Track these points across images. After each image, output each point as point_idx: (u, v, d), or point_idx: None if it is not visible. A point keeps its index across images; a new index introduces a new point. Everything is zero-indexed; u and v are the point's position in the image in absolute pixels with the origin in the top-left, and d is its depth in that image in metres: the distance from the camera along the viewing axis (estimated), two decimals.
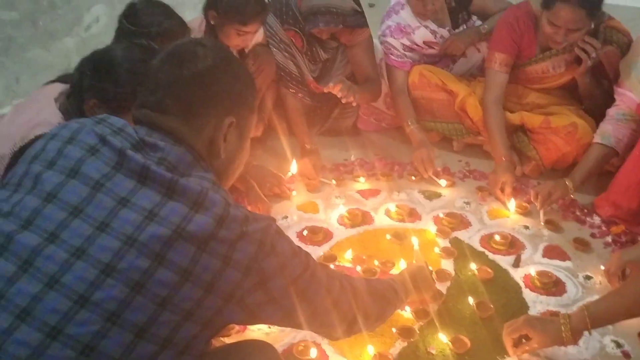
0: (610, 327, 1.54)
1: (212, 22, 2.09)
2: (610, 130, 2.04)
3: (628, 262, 1.66)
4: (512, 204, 2.09)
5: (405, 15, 2.49)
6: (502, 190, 2.13)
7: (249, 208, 2.01)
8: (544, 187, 2.05)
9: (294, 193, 2.18)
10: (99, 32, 2.85)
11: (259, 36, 2.34)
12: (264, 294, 0.96)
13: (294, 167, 2.26)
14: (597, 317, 1.36)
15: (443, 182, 2.26)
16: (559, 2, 2.01)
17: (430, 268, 1.65)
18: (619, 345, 1.51)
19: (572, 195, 2.04)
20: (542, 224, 2.01)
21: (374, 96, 2.51)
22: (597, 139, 2.07)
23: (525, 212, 2.08)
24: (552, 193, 2.01)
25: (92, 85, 1.39)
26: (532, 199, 2.05)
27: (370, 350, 1.45)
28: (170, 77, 1.01)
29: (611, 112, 2.09)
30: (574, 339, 1.42)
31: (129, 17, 1.79)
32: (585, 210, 2.09)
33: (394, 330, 1.52)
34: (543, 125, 2.24)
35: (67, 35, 2.79)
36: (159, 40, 1.58)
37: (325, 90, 2.26)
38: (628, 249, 1.76)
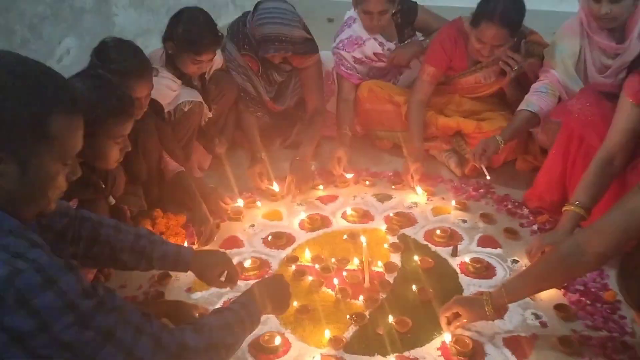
0: (531, 301, 1.82)
1: (170, 52, 2.32)
2: (535, 99, 2.33)
3: (546, 245, 1.93)
4: (419, 189, 2.44)
5: (357, 28, 2.76)
6: (413, 177, 2.45)
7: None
8: (479, 146, 2.33)
9: (258, 204, 2.41)
10: (70, 63, 3.03)
11: (218, 62, 2.58)
12: (22, 351, 0.93)
13: (275, 187, 2.46)
14: (512, 292, 1.63)
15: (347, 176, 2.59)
16: (484, 21, 2.30)
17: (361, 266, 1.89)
18: (537, 317, 1.77)
19: (501, 147, 2.32)
20: (488, 178, 2.39)
21: (321, 129, 2.73)
22: (522, 106, 2.35)
23: (464, 208, 2.35)
24: (486, 149, 2.30)
25: None
26: (471, 160, 2.36)
27: (327, 334, 1.69)
28: None
29: (536, 85, 2.37)
30: (497, 313, 1.68)
31: (98, 52, 1.99)
32: (516, 204, 2.38)
33: (347, 317, 1.77)
34: (476, 130, 2.53)
35: None
36: (119, 76, 1.77)
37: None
38: (547, 233, 2.05)
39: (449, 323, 1.68)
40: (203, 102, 2.45)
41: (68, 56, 3.08)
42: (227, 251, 2.09)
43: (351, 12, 2.81)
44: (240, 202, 2.37)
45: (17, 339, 0.92)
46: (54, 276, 0.94)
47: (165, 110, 2.32)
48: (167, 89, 2.32)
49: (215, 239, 2.16)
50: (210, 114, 2.54)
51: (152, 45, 2.21)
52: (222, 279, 1.65)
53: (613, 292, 1.84)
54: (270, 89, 2.72)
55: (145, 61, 2.03)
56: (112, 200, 1.84)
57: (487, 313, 1.64)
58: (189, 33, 2.22)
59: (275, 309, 1.52)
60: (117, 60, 1.93)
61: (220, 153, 2.64)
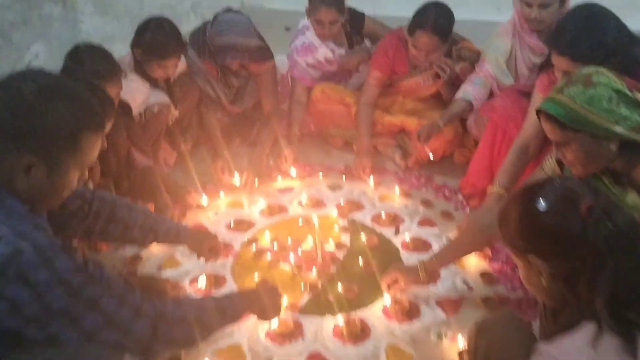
0: (460, 270, 2.11)
1: (137, 58, 2.53)
2: (470, 89, 2.66)
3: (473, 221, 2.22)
4: (371, 180, 2.73)
5: (310, 35, 3.03)
6: (364, 171, 2.75)
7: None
8: (423, 128, 2.64)
9: (221, 194, 2.63)
10: (39, 68, 3.16)
11: (182, 66, 2.79)
12: (19, 318, 1.07)
13: (237, 180, 2.69)
14: (442, 258, 1.92)
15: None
16: (418, 30, 2.61)
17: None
18: (465, 282, 2.06)
19: (442, 128, 2.67)
20: (432, 158, 2.73)
21: (276, 129, 2.98)
22: (459, 95, 2.68)
23: (407, 196, 2.65)
24: (429, 131, 2.61)
25: None
26: (415, 139, 2.67)
27: (284, 300, 1.93)
28: None
29: (472, 77, 2.70)
30: (430, 278, 1.97)
31: (72, 56, 2.19)
32: (452, 191, 2.69)
33: (302, 287, 2.01)
34: (418, 127, 2.81)
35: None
36: (91, 78, 1.96)
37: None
38: (474, 211, 2.37)
39: (389, 287, 1.95)
40: (171, 104, 2.66)
41: (37, 61, 3.22)
42: None
43: (305, 21, 3.08)
44: (204, 200, 2.55)
45: (15, 307, 1.05)
46: (51, 256, 1.08)
47: (136, 112, 2.52)
48: (137, 92, 2.52)
49: None
50: (176, 114, 2.75)
51: (116, 50, 2.38)
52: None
53: None
54: (228, 92, 2.96)
55: (115, 64, 2.23)
56: (91, 186, 2.03)
57: (421, 277, 1.91)
58: (155, 40, 2.43)
59: (264, 314, 1.64)
60: (89, 64, 2.13)
61: (185, 150, 2.84)
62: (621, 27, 1.91)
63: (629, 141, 1.47)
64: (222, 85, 2.91)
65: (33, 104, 1.12)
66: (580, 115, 1.48)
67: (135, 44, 2.49)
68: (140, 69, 2.54)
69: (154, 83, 2.62)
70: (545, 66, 2.22)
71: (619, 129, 1.45)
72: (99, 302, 1.15)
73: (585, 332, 1.03)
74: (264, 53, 2.82)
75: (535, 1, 2.36)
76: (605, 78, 1.48)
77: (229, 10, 2.77)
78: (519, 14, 2.51)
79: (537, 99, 2.24)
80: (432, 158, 2.71)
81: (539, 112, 1.58)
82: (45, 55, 3.28)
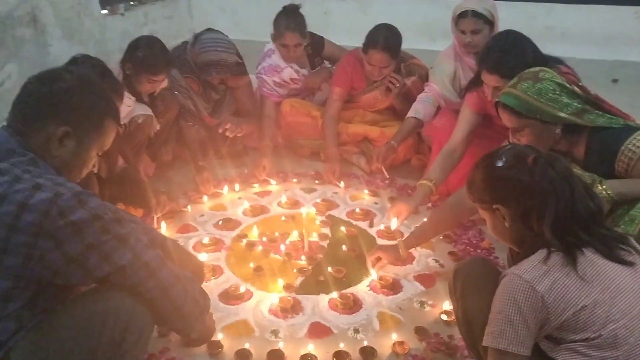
0: (432, 252, 2.41)
1: (127, 72, 2.70)
2: (421, 108, 2.96)
3: (402, 204, 2.52)
4: (342, 184, 3.00)
5: (276, 58, 3.31)
6: (334, 175, 3.04)
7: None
8: (380, 151, 2.90)
9: (205, 198, 2.82)
10: (12, 87, 3.25)
11: (164, 82, 2.98)
12: (61, 256, 1.23)
13: (225, 190, 2.91)
14: (419, 236, 2.21)
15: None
16: (370, 49, 2.96)
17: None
18: (437, 261, 2.36)
19: (395, 149, 2.92)
20: (387, 177, 2.98)
21: (255, 126, 3.27)
22: (411, 114, 2.97)
23: (375, 194, 2.94)
24: (385, 154, 2.88)
25: None
26: (375, 161, 2.91)
27: (280, 282, 2.14)
28: (29, 92, 1.37)
29: (422, 96, 3.00)
30: (409, 256, 2.25)
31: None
32: (414, 189, 2.99)
33: (294, 270, 2.23)
34: (380, 135, 3.14)
35: None
36: None
37: (220, 131, 3.03)
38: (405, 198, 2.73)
39: (373, 265, 2.21)
40: (154, 116, 2.83)
41: (9, 80, 3.30)
42: (184, 235, 2.50)
43: (270, 45, 3.37)
44: (188, 208, 2.75)
45: (59, 245, 1.22)
46: (84, 199, 1.27)
47: (122, 123, 2.67)
48: (123, 105, 2.67)
49: (170, 229, 2.54)
50: (158, 127, 2.91)
51: None
52: None
53: (488, 242, 2.48)
54: (207, 105, 3.17)
55: (116, 80, 2.39)
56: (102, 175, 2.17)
57: (402, 254, 2.19)
58: (147, 57, 2.62)
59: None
60: None
61: (168, 160, 3.01)
62: (535, 48, 2.27)
63: (570, 125, 1.84)
64: (202, 99, 3.12)
65: (73, 87, 1.38)
66: (531, 104, 1.83)
67: (126, 60, 2.66)
68: (128, 84, 2.71)
69: (138, 97, 2.79)
70: (472, 86, 2.58)
71: (562, 114, 1.81)
72: (128, 240, 1.32)
73: (538, 254, 1.34)
74: (242, 68, 3.08)
75: (467, 29, 2.75)
76: (550, 74, 1.85)
77: (209, 30, 3.01)
78: (456, 40, 2.90)
79: (466, 112, 2.59)
80: (387, 176, 3.00)
81: (497, 104, 1.93)
82: (17, 75, 3.37)
